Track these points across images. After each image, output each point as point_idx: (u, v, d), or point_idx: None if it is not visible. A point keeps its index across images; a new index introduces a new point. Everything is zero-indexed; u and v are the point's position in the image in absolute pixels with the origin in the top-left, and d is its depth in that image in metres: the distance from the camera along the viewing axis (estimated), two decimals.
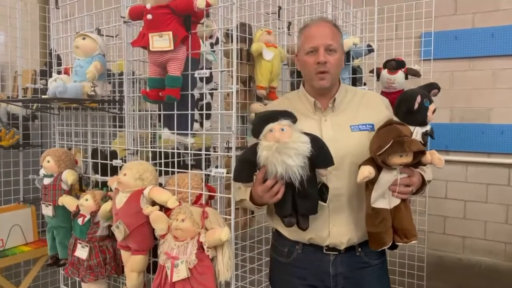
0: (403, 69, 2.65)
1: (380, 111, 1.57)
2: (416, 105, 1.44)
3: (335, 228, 1.50)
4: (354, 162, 1.45)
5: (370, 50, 2.40)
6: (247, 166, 1.39)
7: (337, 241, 1.50)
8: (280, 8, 2.30)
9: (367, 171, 1.36)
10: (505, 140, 3.64)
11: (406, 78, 2.67)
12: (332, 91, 1.58)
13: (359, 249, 1.54)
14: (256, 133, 1.36)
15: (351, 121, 1.53)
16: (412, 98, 1.45)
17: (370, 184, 1.41)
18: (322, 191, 1.43)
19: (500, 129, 3.65)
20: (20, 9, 2.86)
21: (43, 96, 2.40)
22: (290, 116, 1.36)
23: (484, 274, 3.67)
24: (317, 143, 1.34)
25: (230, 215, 1.58)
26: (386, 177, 1.39)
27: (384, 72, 2.66)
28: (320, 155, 1.34)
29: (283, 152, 1.29)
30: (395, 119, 1.48)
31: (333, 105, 1.56)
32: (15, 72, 3.03)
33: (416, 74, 2.73)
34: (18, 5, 2.85)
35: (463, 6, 3.72)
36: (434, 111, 1.48)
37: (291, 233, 1.56)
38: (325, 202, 1.43)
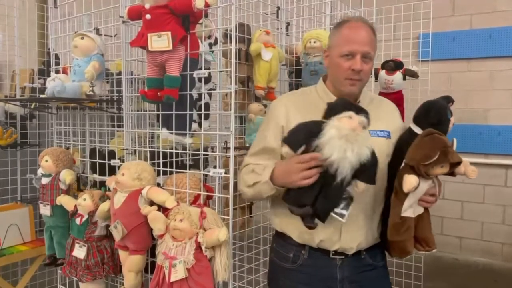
0: (401, 70, 2.65)
1: (395, 120, 1.57)
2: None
3: (347, 233, 1.46)
4: None
5: None
6: (305, 134, 1.29)
7: (347, 246, 1.47)
8: (278, 8, 2.30)
9: (414, 181, 1.33)
10: (502, 141, 3.65)
11: (404, 79, 2.67)
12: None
13: (364, 252, 1.52)
14: (333, 111, 1.28)
15: (370, 127, 1.50)
16: (444, 109, 1.44)
17: (402, 193, 1.39)
18: (348, 204, 1.35)
19: (497, 130, 3.65)
20: (18, 8, 2.86)
21: (41, 96, 2.39)
22: (368, 119, 1.30)
23: (481, 275, 3.68)
24: (374, 157, 1.30)
25: (228, 215, 1.58)
26: (423, 187, 1.38)
27: (382, 73, 2.66)
28: (369, 170, 1.29)
29: (350, 142, 1.23)
30: (415, 127, 1.46)
31: None
32: (13, 71, 3.02)
33: (414, 75, 2.73)
34: (16, 3, 2.84)
35: (461, 8, 3.73)
36: (453, 123, 1.49)
37: (300, 235, 1.49)
38: (343, 217, 1.34)
